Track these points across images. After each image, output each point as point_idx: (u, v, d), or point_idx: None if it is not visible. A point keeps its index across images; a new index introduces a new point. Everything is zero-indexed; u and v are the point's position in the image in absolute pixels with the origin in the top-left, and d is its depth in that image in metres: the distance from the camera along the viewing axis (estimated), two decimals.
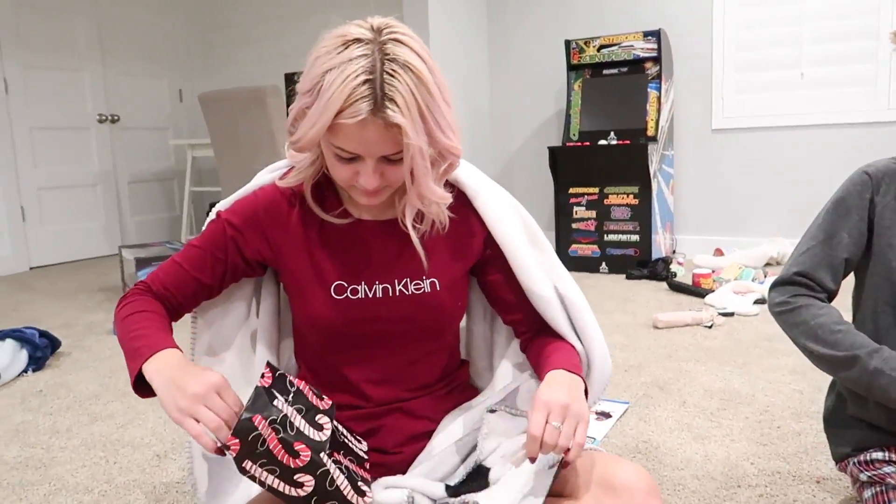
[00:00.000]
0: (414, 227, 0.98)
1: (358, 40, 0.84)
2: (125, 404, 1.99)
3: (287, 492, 0.86)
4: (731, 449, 1.55)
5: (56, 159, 4.64)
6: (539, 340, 1.08)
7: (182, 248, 1.04)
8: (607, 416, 1.77)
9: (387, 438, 1.06)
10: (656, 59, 3.74)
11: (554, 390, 0.90)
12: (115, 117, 4.98)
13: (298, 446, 0.81)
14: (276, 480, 0.83)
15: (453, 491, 1.04)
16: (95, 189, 4.90)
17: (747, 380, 1.99)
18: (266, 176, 1.07)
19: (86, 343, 2.65)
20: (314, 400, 0.84)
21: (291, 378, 0.81)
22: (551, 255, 1.09)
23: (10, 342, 2.28)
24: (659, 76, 3.73)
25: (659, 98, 3.70)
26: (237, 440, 0.80)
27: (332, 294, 1.01)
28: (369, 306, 1.02)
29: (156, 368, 0.88)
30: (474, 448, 1.10)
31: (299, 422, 0.83)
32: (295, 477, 0.83)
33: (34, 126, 4.49)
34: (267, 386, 0.80)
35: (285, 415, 0.81)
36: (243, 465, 0.83)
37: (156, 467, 1.58)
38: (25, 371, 2.29)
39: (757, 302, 2.85)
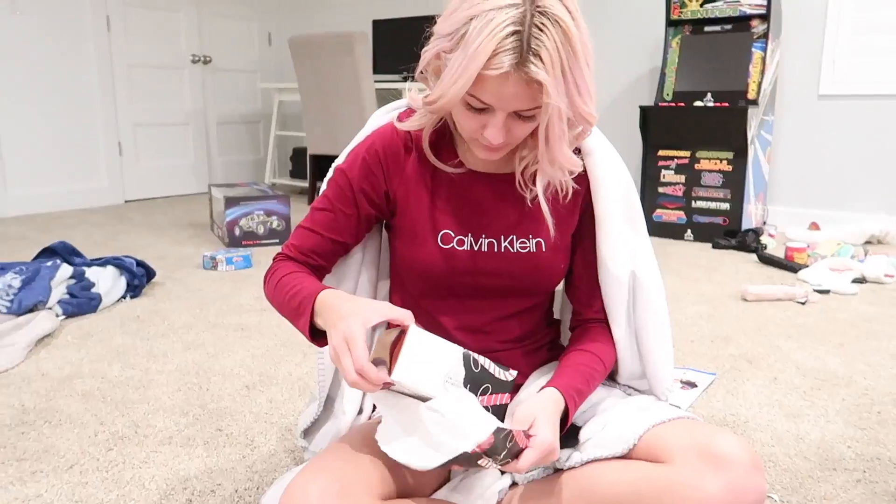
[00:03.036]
0: (530, 188, 0.96)
1: None
2: (215, 335, 2.08)
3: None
4: (825, 430, 1.49)
5: (151, 97, 4.80)
6: (581, 334, 1.06)
7: (308, 213, 1.04)
8: (692, 385, 1.72)
9: None
10: (764, 17, 3.51)
11: (555, 433, 0.88)
12: (208, 58, 5.09)
13: None
14: None
15: None
16: (187, 128, 5.06)
17: (844, 360, 1.90)
18: (383, 117, 1.06)
19: (177, 275, 2.77)
20: (498, 374, 0.86)
21: (476, 356, 0.83)
22: (643, 236, 1.05)
23: (111, 269, 2.41)
24: (766, 35, 3.50)
25: (764, 59, 3.49)
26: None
27: (439, 242, 1.00)
28: (473, 259, 1.01)
29: (322, 320, 0.90)
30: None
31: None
32: None
33: (132, 63, 4.65)
34: None
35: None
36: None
37: (245, 397, 1.64)
38: (124, 297, 2.42)
39: (856, 281, 2.70)
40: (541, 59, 0.79)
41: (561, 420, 0.93)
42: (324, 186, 1.05)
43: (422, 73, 0.91)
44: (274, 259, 1.05)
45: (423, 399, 0.84)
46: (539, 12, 0.80)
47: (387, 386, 0.83)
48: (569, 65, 0.81)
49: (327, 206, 1.02)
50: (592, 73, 0.86)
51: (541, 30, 0.79)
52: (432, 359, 0.84)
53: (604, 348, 1.03)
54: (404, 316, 0.85)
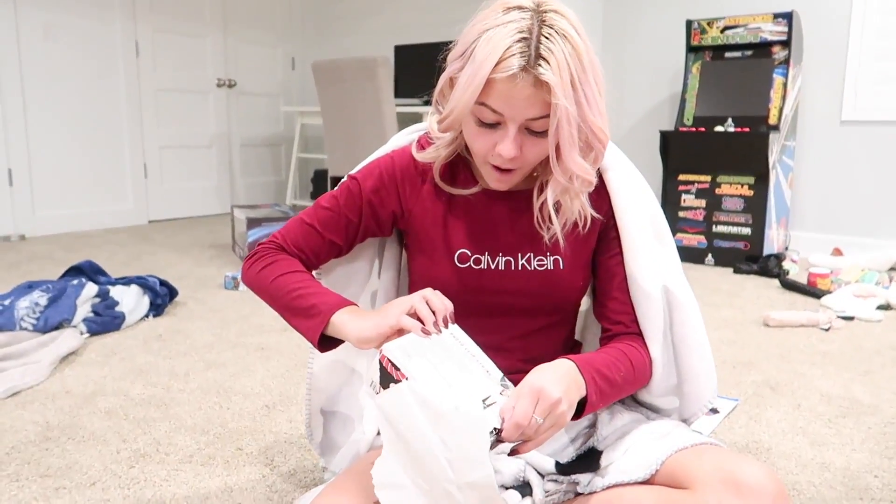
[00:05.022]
0: (546, 219, 0.96)
1: (520, 8, 0.84)
2: (236, 355, 2.10)
3: None
4: (851, 458, 1.46)
5: (177, 120, 4.89)
6: (608, 340, 1.04)
7: (311, 208, 1.05)
8: (714, 411, 1.70)
9: None
10: (785, 43, 3.51)
11: (550, 378, 0.82)
12: (232, 82, 5.19)
13: None
14: None
15: (563, 469, 1.04)
16: (210, 150, 5.14)
17: (870, 388, 1.86)
18: (403, 138, 1.08)
19: (199, 295, 2.80)
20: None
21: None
22: (671, 250, 1.04)
23: (135, 288, 2.44)
24: (787, 61, 3.50)
25: (785, 85, 3.49)
26: None
27: (456, 262, 1.01)
28: (491, 277, 1.01)
29: (346, 318, 0.92)
30: (585, 429, 1.08)
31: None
32: None
33: (159, 88, 4.75)
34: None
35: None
36: None
37: (265, 417, 1.65)
38: (147, 316, 2.45)
39: (880, 307, 2.66)
40: (548, 63, 0.82)
41: (580, 403, 0.88)
42: (336, 189, 1.06)
43: (437, 100, 0.93)
44: (263, 244, 1.05)
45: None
46: (546, 25, 0.83)
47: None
48: (577, 76, 0.83)
49: (333, 206, 1.03)
50: (603, 98, 0.88)
51: (548, 38, 0.82)
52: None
53: (633, 350, 0.99)
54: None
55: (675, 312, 1.02)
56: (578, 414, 0.89)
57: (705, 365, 1.04)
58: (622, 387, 0.96)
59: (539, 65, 0.82)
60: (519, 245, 1.02)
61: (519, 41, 0.82)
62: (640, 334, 1.02)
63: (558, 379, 0.84)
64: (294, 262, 1.02)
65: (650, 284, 1.00)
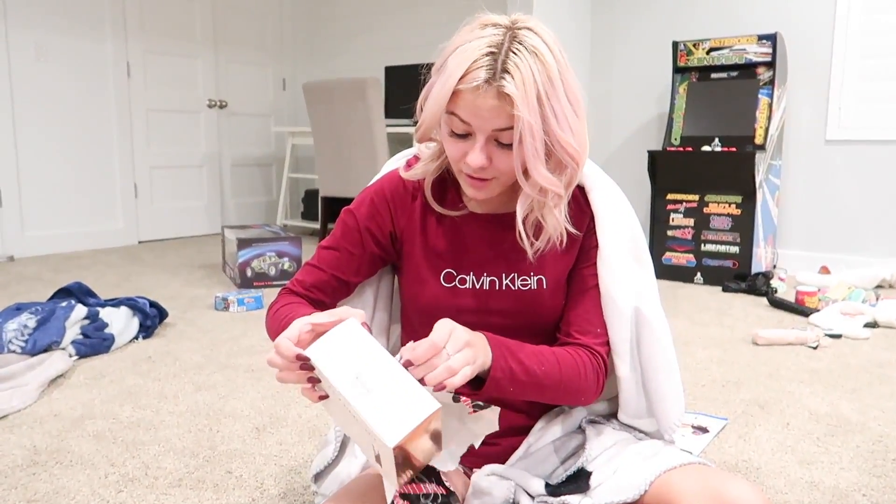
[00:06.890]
0: (528, 235, 0.97)
1: (495, 25, 0.88)
2: (226, 376, 2.09)
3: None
4: (840, 477, 1.47)
5: (168, 140, 4.90)
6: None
7: (315, 252, 1.08)
8: (704, 430, 1.71)
9: None
10: (770, 64, 3.57)
11: (465, 329, 0.83)
12: (224, 103, 5.21)
13: None
14: None
15: (552, 490, 1.04)
16: (201, 170, 5.15)
17: (857, 406, 1.88)
18: (393, 163, 1.11)
19: (189, 316, 2.79)
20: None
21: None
22: (649, 273, 1.05)
23: (124, 309, 2.43)
24: (772, 82, 3.56)
25: (770, 105, 3.54)
26: None
27: (442, 281, 1.03)
28: (476, 297, 1.03)
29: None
30: (574, 450, 1.09)
31: None
32: None
33: (150, 108, 4.76)
34: None
35: None
36: None
37: (255, 439, 1.64)
38: (136, 338, 2.44)
39: (868, 325, 2.69)
40: (512, 77, 0.84)
41: (479, 377, 0.88)
42: (334, 227, 1.08)
43: (418, 112, 0.96)
44: (279, 293, 1.08)
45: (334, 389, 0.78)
46: (516, 41, 0.86)
47: (300, 360, 0.79)
48: (545, 91, 0.85)
49: (333, 244, 1.06)
50: (581, 118, 0.90)
51: (515, 54, 0.85)
52: (354, 353, 0.79)
53: (565, 354, 0.97)
54: (353, 314, 0.83)
55: (644, 331, 1.02)
56: (481, 385, 0.88)
57: (672, 385, 1.04)
58: (542, 380, 0.94)
59: (503, 78, 0.85)
60: (503, 265, 1.03)
61: (487, 55, 0.85)
62: (590, 347, 1.01)
63: (467, 331, 0.84)
64: (295, 299, 1.04)
65: (624, 302, 1.01)
